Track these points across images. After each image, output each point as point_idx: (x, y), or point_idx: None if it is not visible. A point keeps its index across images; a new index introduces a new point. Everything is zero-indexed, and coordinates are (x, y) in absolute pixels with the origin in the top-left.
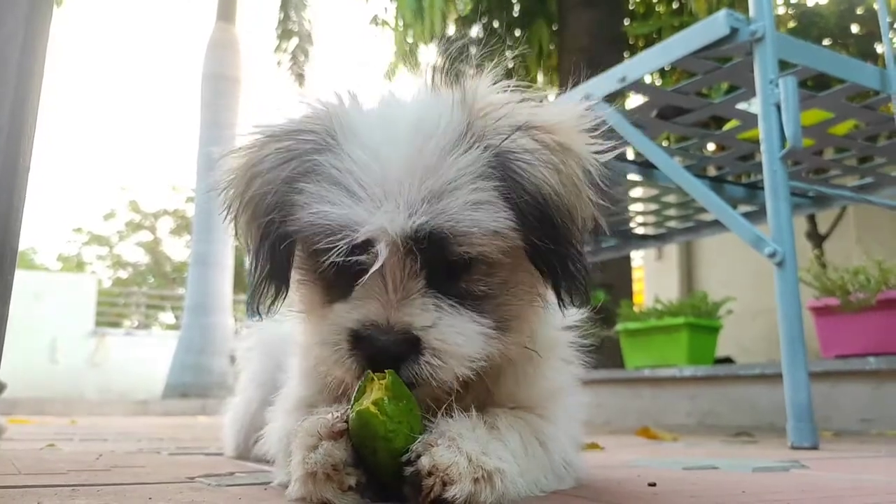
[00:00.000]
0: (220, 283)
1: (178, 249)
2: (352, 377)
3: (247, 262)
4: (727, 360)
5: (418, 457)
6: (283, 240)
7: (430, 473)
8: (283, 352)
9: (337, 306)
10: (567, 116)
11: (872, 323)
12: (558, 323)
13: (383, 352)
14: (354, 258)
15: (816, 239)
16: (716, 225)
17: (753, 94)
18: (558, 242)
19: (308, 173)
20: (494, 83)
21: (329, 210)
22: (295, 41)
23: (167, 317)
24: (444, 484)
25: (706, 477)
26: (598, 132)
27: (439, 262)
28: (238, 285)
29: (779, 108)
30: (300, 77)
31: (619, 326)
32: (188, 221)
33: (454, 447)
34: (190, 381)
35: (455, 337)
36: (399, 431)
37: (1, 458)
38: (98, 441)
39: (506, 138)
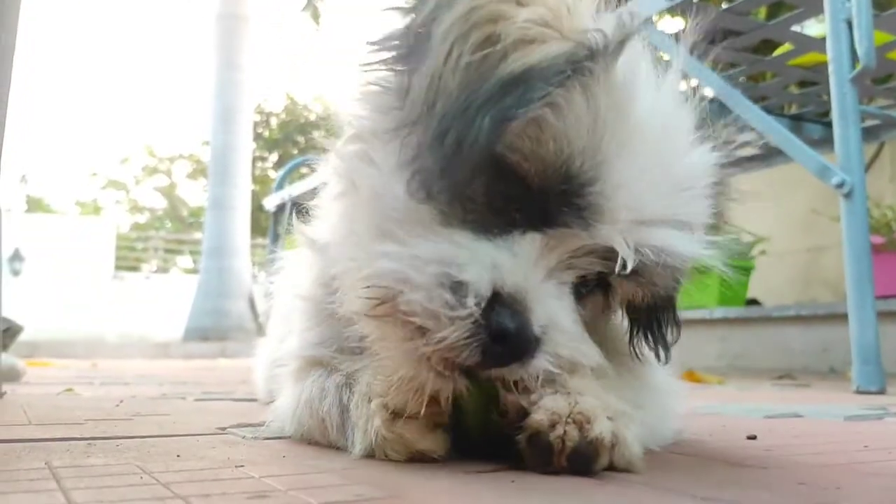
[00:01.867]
0: (236, 227)
1: (194, 194)
2: (451, 356)
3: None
4: (754, 303)
5: (523, 416)
6: (492, 137)
7: (553, 424)
8: None
9: (474, 239)
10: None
11: None
12: None
13: (521, 346)
14: (557, 209)
15: None
16: (762, 159)
17: (812, 13)
18: (671, 301)
19: (572, 83)
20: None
21: (584, 149)
22: None
23: (185, 261)
24: (581, 427)
25: (802, 427)
26: None
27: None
28: (255, 229)
29: (850, 24)
30: (316, 14)
31: None
32: (204, 166)
33: (565, 390)
34: (209, 325)
35: (578, 346)
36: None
37: (13, 405)
38: (119, 385)
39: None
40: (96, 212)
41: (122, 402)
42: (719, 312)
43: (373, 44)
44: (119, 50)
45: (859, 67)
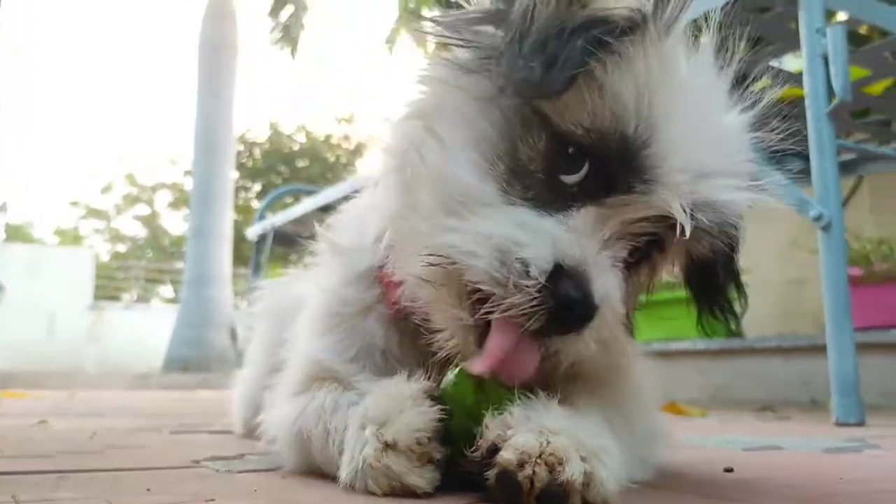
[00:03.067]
0: (219, 256)
1: (176, 223)
2: (487, 328)
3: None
4: (736, 334)
5: (492, 453)
6: (584, 58)
7: (522, 464)
8: (296, 319)
9: (535, 216)
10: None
11: (895, 294)
12: None
13: (585, 311)
14: (614, 177)
15: None
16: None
17: (789, 49)
18: (732, 271)
19: (631, 46)
20: None
21: (639, 115)
22: (290, 9)
23: (166, 290)
24: (551, 468)
25: (780, 460)
26: None
27: (654, 238)
28: (237, 259)
29: (826, 59)
30: (293, 48)
31: None
32: (186, 195)
33: (536, 428)
34: (190, 355)
35: (616, 328)
36: (481, 413)
37: None
38: (94, 417)
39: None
40: (76, 241)
41: (95, 434)
42: (701, 344)
43: (456, 16)
44: (102, 78)
45: (835, 102)
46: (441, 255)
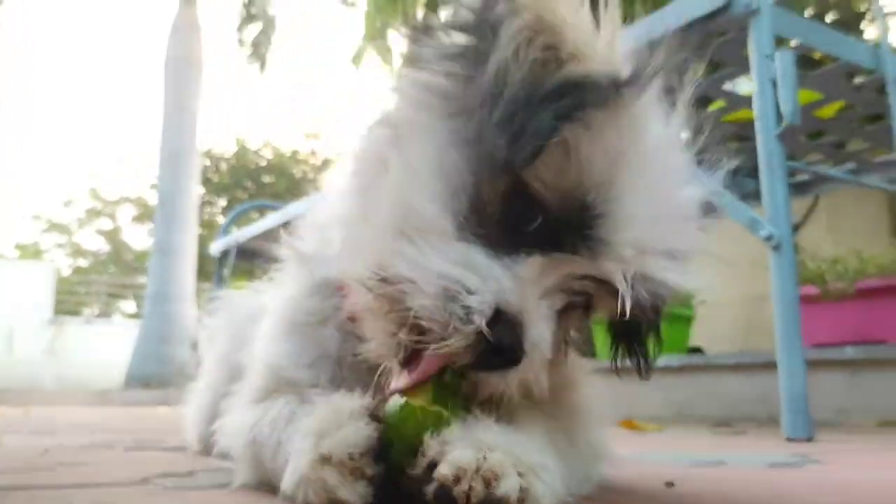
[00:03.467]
0: (182, 272)
1: (139, 238)
2: (416, 352)
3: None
4: (697, 351)
5: (432, 468)
6: (552, 130)
7: (458, 479)
8: (255, 329)
9: (485, 258)
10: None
11: (850, 312)
12: None
13: (512, 356)
14: (566, 235)
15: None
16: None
17: (741, 73)
18: (655, 319)
19: (599, 114)
20: None
21: (599, 184)
22: (258, 26)
23: (128, 306)
24: (488, 483)
25: (721, 474)
26: None
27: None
28: (200, 274)
29: (775, 84)
30: (262, 64)
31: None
32: (150, 209)
33: (474, 444)
34: (152, 371)
35: (542, 372)
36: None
37: None
38: (49, 434)
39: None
40: (37, 255)
41: (47, 451)
42: (662, 361)
43: (430, 44)
44: (66, 91)
45: (784, 125)
46: (389, 279)
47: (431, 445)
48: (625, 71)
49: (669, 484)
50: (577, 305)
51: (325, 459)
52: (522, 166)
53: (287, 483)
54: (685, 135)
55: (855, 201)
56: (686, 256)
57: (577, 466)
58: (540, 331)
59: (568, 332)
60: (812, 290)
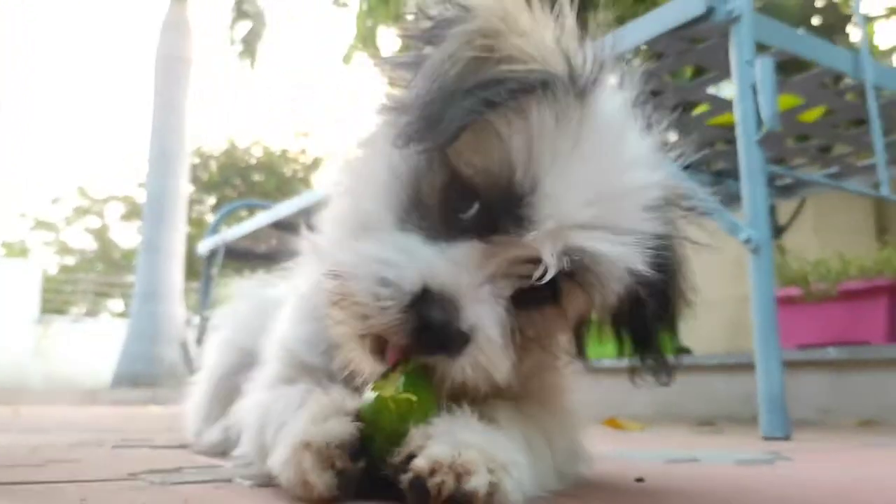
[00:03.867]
0: (170, 271)
1: (127, 236)
2: (379, 339)
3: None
4: (684, 351)
5: (410, 459)
6: (468, 115)
7: (433, 472)
8: (266, 319)
9: (418, 243)
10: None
11: (833, 313)
12: None
13: (443, 333)
14: (500, 217)
15: (776, 230)
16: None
17: (724, 77)
18: (664, 317)
19: (540, 100)
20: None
21: (527, 163)
22: (249, 23)
23: (116, 304)
24: (459, 478)
25: (692, 470)
26: None
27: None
28: (189, 273)
29: (755, 89)
30: (252, 60)
31: None
32: (138, 207)
33: (452, 441)
34: (140, 370)
35: (497, 361)
36: (403, 432)
37: None
38: (37, 433)
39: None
40: (23, 253)
41: (36, 449)
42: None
43: (388, 58)
44: (53, 88)
45: (764, 130)
46: (336, 276)
47: (414, 438)
48: (561, 66)
49: (639, 479)
50: (542, 299)
51: (306, 445)
52: (440, 147)
53: (274, 460)
54: (644, 125)
55: (841, 203)
56: (628, 233)
57: (551, 465)
58: (481, 313)
59: (542, 328)
60: (795, 291)
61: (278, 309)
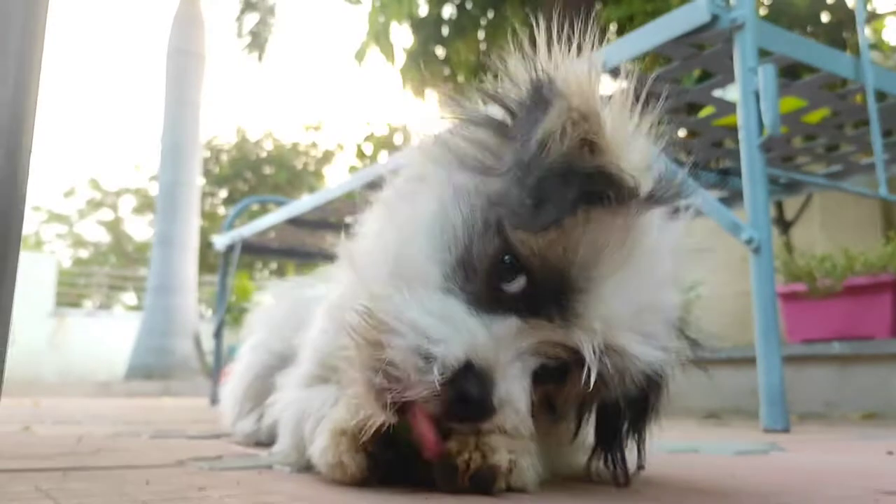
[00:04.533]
0: (184, 264)
1: (140, 229)
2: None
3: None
4: (694, 343)
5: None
6: (570, 208)
7: (460, 451)
8: (302, 319)
9: (463, 311)
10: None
11: (838, 309)
12: None
13: (479, 410)
14: (545, 302)
15: (783, 225)
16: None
17: (729, 81)
18: (638, 424)
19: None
20: None
21: (584, 264)
22: (256, 16)
23: (129, 297)
24: (484, 455)
25: (691, 460)
26: None
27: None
28: (202, 266)
29: (757, 95)
30: (261, 53)
31: None
32: (151, 200)
33: (473, 434)
34: (153, 363)
35: (519, 427)
36: None
37: None
38: (72, 424)
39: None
40: (37, 246)
41: (81, 439)
42: None
43: (464, 108)
44: (66, 81)
45: (766, 135)
46: (372, 321)
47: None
48: (646, 183)
49: (640, 467)
50: (551, 376)
51: (342, 432)
52: (539, 233)
53: (314, 449)
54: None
55: (848, 199)
56: (657, 343)
57: (562, 454)
58: (510, 387)
59: (549, 403)
60: (801, 287)
61: (314, 310)
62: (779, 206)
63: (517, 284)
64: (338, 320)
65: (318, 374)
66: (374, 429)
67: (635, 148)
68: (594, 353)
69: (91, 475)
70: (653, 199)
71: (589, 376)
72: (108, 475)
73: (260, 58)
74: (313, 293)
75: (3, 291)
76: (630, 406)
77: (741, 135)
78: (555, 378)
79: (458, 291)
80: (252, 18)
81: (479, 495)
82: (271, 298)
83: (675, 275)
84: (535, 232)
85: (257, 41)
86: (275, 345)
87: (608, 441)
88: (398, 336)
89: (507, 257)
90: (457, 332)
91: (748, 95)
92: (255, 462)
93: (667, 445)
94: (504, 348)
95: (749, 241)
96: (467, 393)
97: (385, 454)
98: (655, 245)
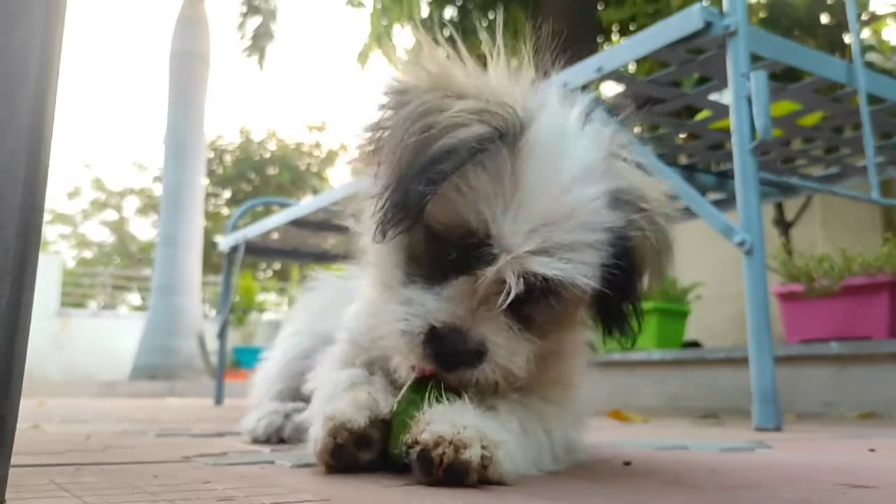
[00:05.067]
0: (188, 264)
1: (144, 229)
2: (413, 367)
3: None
4: (695, 344)
5: (416, 441)
6: (424, 196)
7: (436, 444)
8: (343, 305)
9: (421, 292)
10: (664, 191)
11: (835, 309)
12: None
13: (455, 357)
14: (472, 257)
15: (783, 226)
16: (686, 212)
17: (725, 85)
18: (628, 298)
19: (480, 158)
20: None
21: (479, 212)
22: (258, 19)
23: (134, 297)
24: (457, 450)
25: (677, 456)
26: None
27: (523, 288)
28: (206, 266)
29: (750, 100)
30: (261, 57)
31: None
32: (155, 201)
33: (451, 421)
34: (157, 363)
35: (514, 357)
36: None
37: None
38: (79, 423)
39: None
40: (42, 246)
41: (90, 437)
42: (657, 354)
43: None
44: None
45: (757, 139)
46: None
47: (419, 422)
48: (496, 118)
49: (627, 463)
50: (541, 300)
51: (329, 426)
52: (409, 227)
53: (309, 433)
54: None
55: (848, 200)
56: (573, 249)
57: (548, 449)
58: (483, 330)
59: (549, 321)
60: (799, 287)
61: (353, 299)
62: (779, 206)
63: (451, 254)
64: (368, 310)
65: (350, 354)
66: (354, 429)
67: (479, 93)
68: (515, 277)
69: (102, 470)
70: (510, 127)
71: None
72: (119, 470)
73: (260, 63)
74: (355, 282)
75: (24, 292)
76: (615, 289)
77: (734, 139)
78: (532, 302)
79: (417, 279)
80: (254, 22)
81: (452, 487)
82: (316, 286)
83: (588, 168)
84: (406, 227)
85: (257, 45)
86: (318, 327)
87: (611, 319)
88: (383, 331)
89: (430, 238)
90: (415, 309)
91: (740, 100)
92: (259, 458)
93: (657, 443)
94: (460, 305)
95: (741, 244)
96: (442, 349)
97: (363, 453)
98: (549, 158)
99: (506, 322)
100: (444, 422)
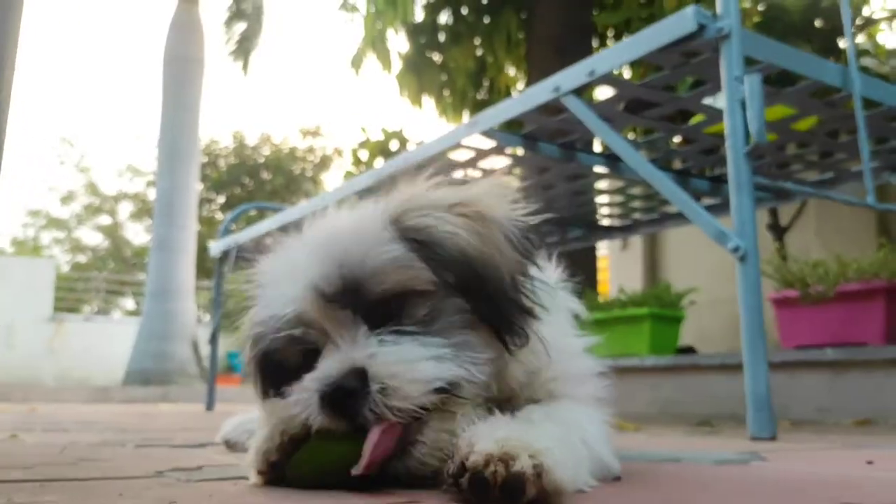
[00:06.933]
0: (181, 269)
1: (138, 234)
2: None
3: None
4: (689, 350)
5: (463, 462)
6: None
7: (486, 463)
8: None
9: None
10: (486, 190)
11: (830, 315)
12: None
13: (337, 389)
14: (299, 336)
15: (778, 231)
16: (680, 217)
17: (719, 89)
18: (490, 295)
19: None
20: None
21: (265, 306)
22: (244, 24)
23: (128, 302)
24: (507, 464)
25: (670, 470)
26: (518, 200)
27: (369, 306)
28: (200, 271)
29: (744, 104)
30: (245, 62)
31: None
32: (149, 205)
33: (493, 437)
34: (151, 368)
35: (398, 364)
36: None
37: None
38: (60, 432)
39: (420, 216)
40: (36, 251)
41: (65, 448)
42: (651, 360)
43: None
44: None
45: (752, 143)
46: None
47: (461, 447)
48: None
49: (616, 478)
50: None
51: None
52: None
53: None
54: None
55: (843, 206)
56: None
57: (585, 458)
58: (359, 349)
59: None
60: (794, 293)
61: None
62: (773, 212)
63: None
64: None
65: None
66: (274, 452)
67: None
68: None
69: (66, 487)
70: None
71: None
72: (83, 487)
73: (244, 67)
74: None
75: None
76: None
77: (728, 143)
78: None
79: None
80: (240, 27)
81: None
82: None
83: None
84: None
85: (242, 49)
86: None
87: (490, 319)
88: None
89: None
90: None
91: (734, 104)
92: (234, 473)
93: (649, 454)
94: (330, 368)
95: (735, 250)
96: (329, 410)
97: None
98: (290, 255)
99: (378, 339)
100: (486, 439)
